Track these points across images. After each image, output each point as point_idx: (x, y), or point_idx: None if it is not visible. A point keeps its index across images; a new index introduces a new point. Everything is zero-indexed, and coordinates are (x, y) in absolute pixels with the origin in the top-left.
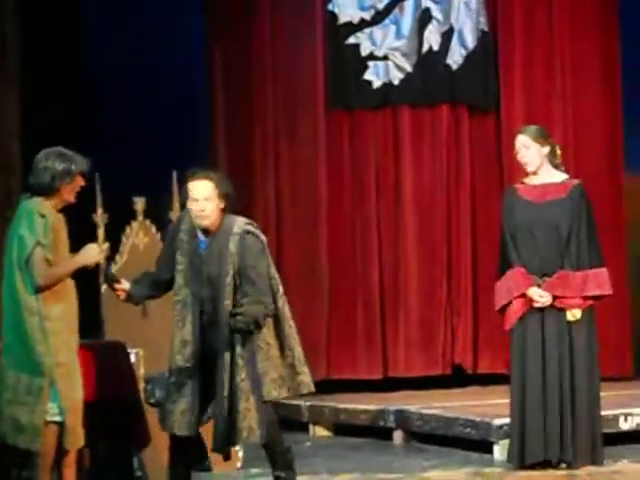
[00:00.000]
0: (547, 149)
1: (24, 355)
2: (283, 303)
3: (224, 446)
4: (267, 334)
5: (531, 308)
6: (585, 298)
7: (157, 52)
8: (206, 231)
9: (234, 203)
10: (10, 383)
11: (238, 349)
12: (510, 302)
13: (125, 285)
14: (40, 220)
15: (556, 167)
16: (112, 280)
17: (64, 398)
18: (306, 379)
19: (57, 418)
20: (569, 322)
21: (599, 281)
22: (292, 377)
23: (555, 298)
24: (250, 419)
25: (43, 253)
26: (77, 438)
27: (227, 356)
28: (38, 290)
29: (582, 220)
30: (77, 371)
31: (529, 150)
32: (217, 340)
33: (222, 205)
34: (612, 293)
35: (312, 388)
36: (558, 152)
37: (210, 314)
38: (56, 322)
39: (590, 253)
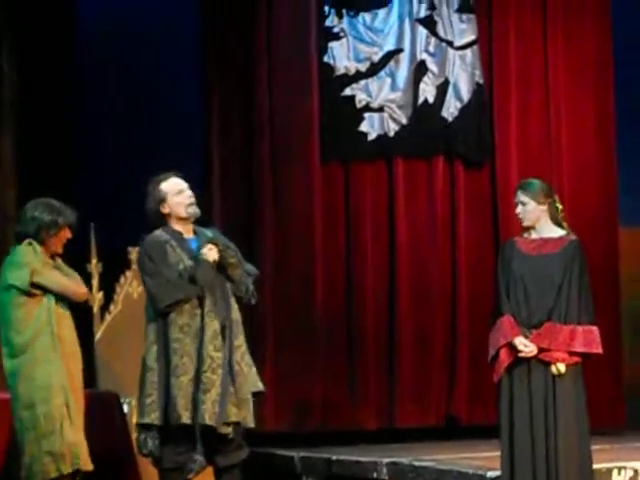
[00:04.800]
0: (545, 206)
1: (34, 387)
2: None
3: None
4: None
5: (517, 359)
6: (571, 354)
7: (154, 108)
8: (188, 231)
9: None
10: (28, 424)
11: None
12: (498, 352)
13: None
14: (27, 249)
15: (558, 223)
16: None
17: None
18: None
19: None
20: (554, 376)
21: (587, 339)
22: None
23: (540, 351)
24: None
25: (50, 270)
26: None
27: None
28: (82, 298)
29: (574, 275)
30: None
31: (526, 207)
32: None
33: None
34: (602, 352)
35: None
36: (559, 207)
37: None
38: (68, 347)
39: (580, 309)
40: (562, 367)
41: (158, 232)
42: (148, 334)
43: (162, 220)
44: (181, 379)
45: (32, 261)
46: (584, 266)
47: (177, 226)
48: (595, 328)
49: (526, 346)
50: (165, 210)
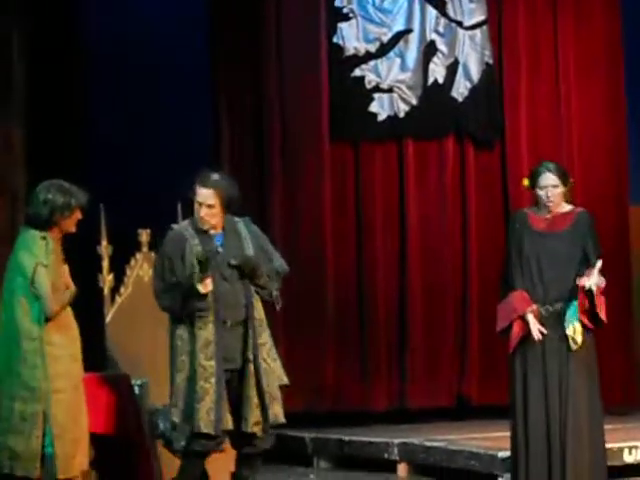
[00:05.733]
0: (567, 189)
1: (17, 383)
2: None
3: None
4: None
5: (530, 334)
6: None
7: (161, 90)
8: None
9: (238, 206)
10: (4, 413)
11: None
12: (511, 324)
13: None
14: (41, 242)
15: (566, 200)
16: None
17: (56, 425)
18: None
19: (46, 450)
20: (568, 351)
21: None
22: None
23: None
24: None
25: (46, 274)
26: (68, 467)
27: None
28: (49, 317)
29: (589, 247)
30: (77, 401)
31: (556, 189)
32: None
33: (225, 211)
34: (605, 320)
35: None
36: (571, 183)
37: (231, 307)
38: (57, 349)
39: None
40: (579, 338)
41: (185, 224)
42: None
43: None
44: (176, 375)
45: (41, 256)
46: (595, 235)
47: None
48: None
49: (534, 324)
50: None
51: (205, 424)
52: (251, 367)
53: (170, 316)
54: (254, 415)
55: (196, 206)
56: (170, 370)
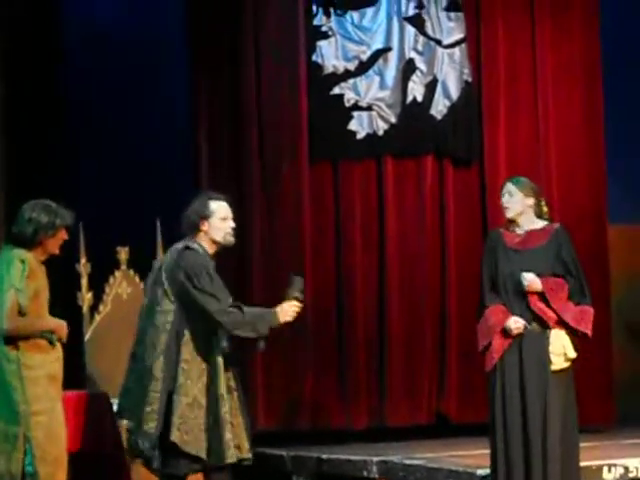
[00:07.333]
0: (531, 201)
1: (2, 403)
2: None
3: None
4: None
5: (511, 347)
6: (560, 322)
7: (141, 103)
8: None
9: None
10: None
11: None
12: (491, 341)
13: None
14: (19, 265)
15: (540, 217)
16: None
17: (37, 447)
18: None
19: (27, 469)
20: (547, 371)
21: (582, 313)
22: None
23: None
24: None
25: (15, 297)
26: None
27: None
28: (3, 336)
29: (568, 263)
30: (57, 421)
31: (512, 197)
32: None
33: None
34: (590, 335)
35: None
36: (544, 208)
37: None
38: (35, 370)
39: (576, 293)
40: (560, 362)
41: (201, 250)
42: (158, 342)
43: (192, 232)
44: (181, 398)
45: (15, 279)
46: (573, 251)
47: (209, 248)
48: (589, 309)
49: (516, 322)
50: (203, 227)
51: (233, 454)
52: (235, 394)
53: (175, 336)
54: (248, 441)
55: (219, 223)
56: (147, 386)
